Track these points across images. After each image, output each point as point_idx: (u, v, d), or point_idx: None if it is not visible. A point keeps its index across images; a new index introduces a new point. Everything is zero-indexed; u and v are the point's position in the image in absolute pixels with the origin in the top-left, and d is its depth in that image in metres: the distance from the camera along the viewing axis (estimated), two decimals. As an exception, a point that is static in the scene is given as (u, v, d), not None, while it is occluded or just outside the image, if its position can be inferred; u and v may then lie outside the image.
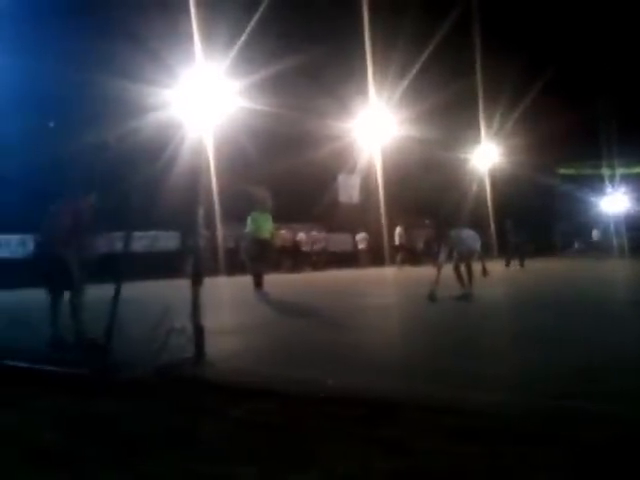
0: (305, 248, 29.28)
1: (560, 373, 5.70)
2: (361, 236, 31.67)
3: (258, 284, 14.53)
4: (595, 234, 38.44)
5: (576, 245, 39.02)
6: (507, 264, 25.87)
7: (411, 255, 30.35)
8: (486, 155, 35.06)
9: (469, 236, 12.48)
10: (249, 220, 14.76)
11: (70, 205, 7.77)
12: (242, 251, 18.91)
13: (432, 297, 11.73)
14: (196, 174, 7.17)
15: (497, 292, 14.87)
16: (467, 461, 3.78)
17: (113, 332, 6.20)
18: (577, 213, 41.61)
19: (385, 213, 29.38)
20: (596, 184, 42.73)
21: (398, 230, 29.56)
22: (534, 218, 35.71)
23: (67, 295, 7.81)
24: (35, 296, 8.08)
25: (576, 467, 3.68)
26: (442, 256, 12.35)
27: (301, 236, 29.38)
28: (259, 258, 14.91)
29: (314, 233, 29.92)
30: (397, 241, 29.53)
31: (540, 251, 33.51)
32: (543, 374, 5.70)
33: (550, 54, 32.56)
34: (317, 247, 29.76)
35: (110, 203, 7.97)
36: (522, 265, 25.43)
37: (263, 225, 14.74)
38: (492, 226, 30.09)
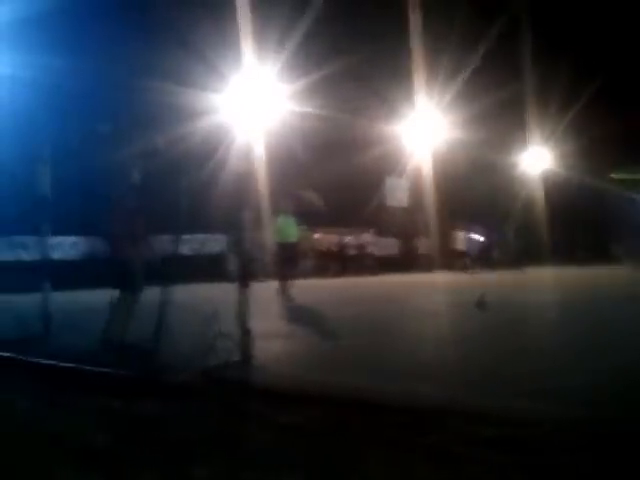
0: (352, 252, 29.14)
1: (607, 382, 5.61)
2: (416, 241, 31.48)
3: (284, 289, 14.46)
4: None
5: (632, 252, 38.02)
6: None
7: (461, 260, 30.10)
8: (537, 159, 34.54)
9: None
10: (277, 223, 14.80)
11: (123, 209, 7.88)
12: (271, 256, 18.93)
13: None
14: (245, 177, 7.21)
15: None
16: (510, 471, 3.74)
17: (161, 335, 6.26)
18: (632, 220, 40.68)
19: (434, 217, 29.12)
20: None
21: (460, 235, 29.51)
22: (587, 224, 35.09)
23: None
24: (87, 297, 8.21)
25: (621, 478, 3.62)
26: None
27: (349, 240, 29.27)
28: (286, 263, 14.88)
29: (364, 236, 29.70)
30: (459, 246, 29.57)
31: (593, 258, 32.82)
32: (589, 383, 5.61)
33: (603, 54, 31.91)
34: (365, 251, 29.55)
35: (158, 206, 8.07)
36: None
37: (288, 230, 14.79)
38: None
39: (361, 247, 29.41)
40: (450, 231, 29.70)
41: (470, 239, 30.23)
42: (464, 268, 28.21)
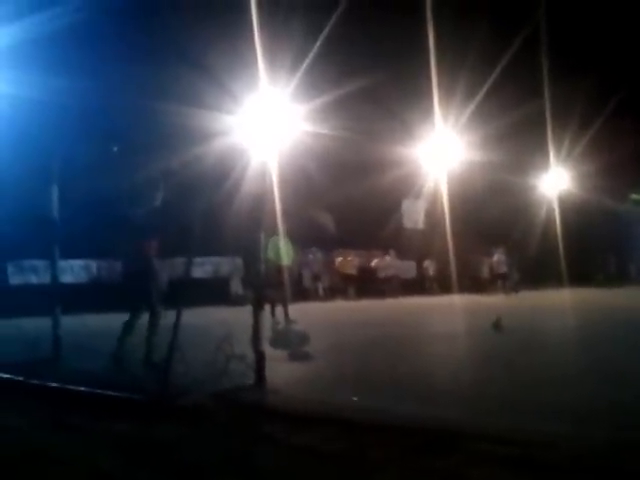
0: (381, 274, 28.94)
1: (622, 404, 5.43)
2: (427, 263, 31.34)
3: (273, 312, 14.10)
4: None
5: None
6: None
7: (480, 283, 29.93)
8: (555, 180, 34.33)
9: None
10: (269, 245, 14.39)
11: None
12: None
13: None
14: (260, 200, 7.12)
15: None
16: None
17: (174, 357, 6.16)
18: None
19: (451, 239, 28.92)
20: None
21: (496, 257, 29.46)
22: (605, 246, 34.82)
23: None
24: (98, 321, 8.14)
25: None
26: None
27: (377, 262, 29.12)
28: (274, 285, 14.42)
29: (387, 259, 29.50)
30: (499, 269, 29.70)
31: (612, 280, 32.43)
32: (605, 405, 5.44)
33: (622, 73, 31.73)
34: (389, 273, 29.31)
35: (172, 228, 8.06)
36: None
37: (283, 251, 14.46)
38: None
39: (386, 269, 29.20)
40: (475, 253, 29.72)
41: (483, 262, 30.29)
42: (504, 290, 28.24)
